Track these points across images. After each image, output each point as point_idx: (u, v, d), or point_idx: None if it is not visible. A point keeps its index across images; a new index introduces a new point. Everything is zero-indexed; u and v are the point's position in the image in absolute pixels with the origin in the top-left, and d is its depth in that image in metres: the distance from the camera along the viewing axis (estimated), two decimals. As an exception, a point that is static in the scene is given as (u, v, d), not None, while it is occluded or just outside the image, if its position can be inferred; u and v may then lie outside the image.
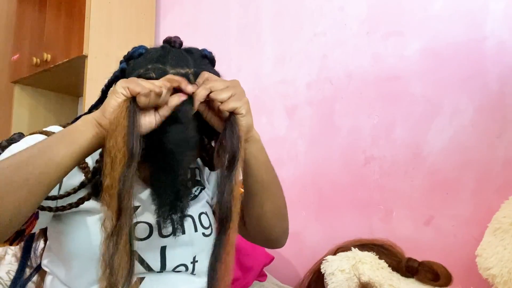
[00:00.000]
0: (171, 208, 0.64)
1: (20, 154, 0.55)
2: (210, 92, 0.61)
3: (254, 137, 0.68)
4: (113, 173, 0.54)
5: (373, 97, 1.43)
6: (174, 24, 2.15)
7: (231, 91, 0.62)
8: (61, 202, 0.65)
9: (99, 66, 1.88)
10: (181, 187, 0.64)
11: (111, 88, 0.61)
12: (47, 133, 0.66)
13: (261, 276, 1.43)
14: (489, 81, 1.22)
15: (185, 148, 0.62)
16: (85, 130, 0.57)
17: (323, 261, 1.27)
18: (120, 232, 0.54)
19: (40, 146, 0.56)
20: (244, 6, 1.85)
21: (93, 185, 0.65)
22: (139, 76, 0.62)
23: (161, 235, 0.71)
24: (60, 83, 2.29)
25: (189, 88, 0.61)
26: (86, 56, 1.87)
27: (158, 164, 0.64)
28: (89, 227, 0.66)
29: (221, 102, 0.61)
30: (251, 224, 0.75)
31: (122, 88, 0.57)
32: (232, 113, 0.62)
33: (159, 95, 0.58)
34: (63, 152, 0.55)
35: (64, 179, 0.63)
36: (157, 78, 0.62)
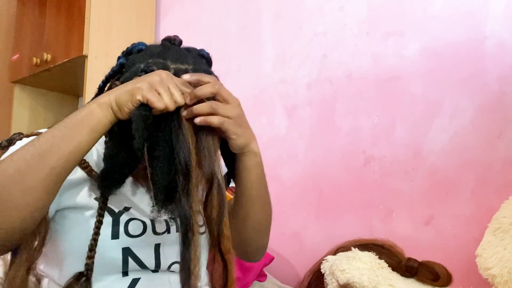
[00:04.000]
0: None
1: (40, 143, 0.55)
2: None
3: (253, 151, 0.69)
4: None
5: (373, 97, 1.43)
6: (174, 24, 2.15)
7: (229, 111, 0.63)
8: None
9: (99, 66, 1.88)
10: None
11: (136, 80, 0.60)
12: None
13: (261, 276, 1.43)
14: (489, 81, 1.22)
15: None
16: (102, 115, 0.58)
17: (323, 261, 1.27)
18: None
19: (61, 135, 0.56)
20: (244, 6, 1.85)
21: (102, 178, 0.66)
22: (141, 70, 0.63)
23: (155, 233, 0.71)
24: (60, 83, 2.29)
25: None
26: (86, 56, 1.87)
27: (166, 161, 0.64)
28: (86, 224, 0.66)
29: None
30: (232, 234, 0.75)
31: (140, 96, 0.57)
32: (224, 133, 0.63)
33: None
34: (83, 139, 0.57)
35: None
36: None
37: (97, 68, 1.87)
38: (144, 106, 0.57)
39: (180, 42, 0.71)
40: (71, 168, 0.57)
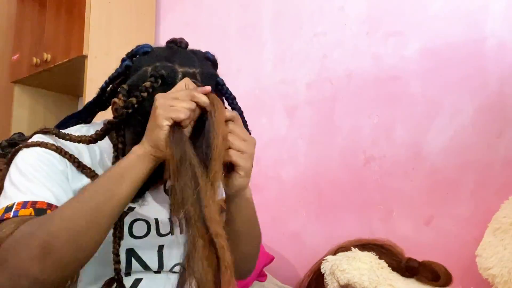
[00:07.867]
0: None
1: (87, 204, 0.57)
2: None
3: (245, 195, 0.67)
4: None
5: (373, 97, 1.43)
6: (174, 24, 2.15)
7: (245, 146, 0.62)
8: None
9: (99, 66, 1.88)
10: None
11: (153, 116, 0.59)
12: (46, 146, 0.65)
13: (261, 276, 1.43)
14: (489, 81, 1.22)
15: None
16: (143, 166, 0.59)
17: (323, 261, 1.27)
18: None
19: (103, 192, 0.58)
20: (244, 6, 1.85)
21: None
22: (151, 76, 0.63)
23: (159, 234, 0.71)
24: (60, 83, 2.29)
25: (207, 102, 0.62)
26: (86, 56, 1.87)
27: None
28: None
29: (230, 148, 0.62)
30: None
31: (165, 120, 0.57)
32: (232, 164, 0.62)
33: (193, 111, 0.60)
34: (127, 192, 0.58)
35: (71, 184, 0.65)
36: (168, 76, 0.63)
37: (97, 68, 1.87)
38: (176, 127, 0.58)
39: (187, 44, 0.71)
40: (115, 218, 0.60)
